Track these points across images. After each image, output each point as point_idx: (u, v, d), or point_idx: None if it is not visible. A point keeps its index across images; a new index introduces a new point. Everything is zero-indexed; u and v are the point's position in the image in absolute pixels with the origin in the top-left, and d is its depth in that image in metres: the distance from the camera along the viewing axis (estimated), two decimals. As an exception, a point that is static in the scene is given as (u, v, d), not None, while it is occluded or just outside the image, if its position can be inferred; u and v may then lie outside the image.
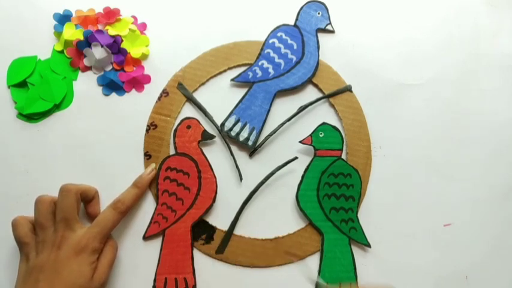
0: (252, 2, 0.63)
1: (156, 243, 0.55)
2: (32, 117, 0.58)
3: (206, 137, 0.58)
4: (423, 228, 0.57)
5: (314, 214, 0.56)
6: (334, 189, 0.57)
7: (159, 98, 0.59)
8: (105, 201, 0.55)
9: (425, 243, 0.57)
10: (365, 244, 0.56)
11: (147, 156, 0.58)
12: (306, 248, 0.56)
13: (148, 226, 0.55)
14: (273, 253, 0.56)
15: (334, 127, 0.58)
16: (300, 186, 0.57)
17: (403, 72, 0.62)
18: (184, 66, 0.60)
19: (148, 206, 0.56)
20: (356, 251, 0.56)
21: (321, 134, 0.58)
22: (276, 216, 0.57)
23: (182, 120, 0.58)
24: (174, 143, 0.58)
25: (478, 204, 0.58)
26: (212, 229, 0.56)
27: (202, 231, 0.56)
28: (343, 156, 0.58)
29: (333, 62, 0.61)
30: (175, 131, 0.58)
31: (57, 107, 0.59)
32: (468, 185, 0.59)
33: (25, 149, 0.58)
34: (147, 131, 0.58)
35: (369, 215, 0.57)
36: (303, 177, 0.57)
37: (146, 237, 0.55)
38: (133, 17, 0.62)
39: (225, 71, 0.60)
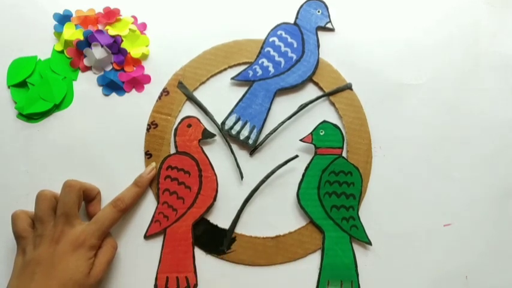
0: (252, 0, 0.63)
1: (157, 242, 0.55)
2: (32, 117, 0.58)
3: (207, 135, 0.58)
4: (423, 228, 0.57)
5: (315, 212, 0.56)
6: (335, 187, 0.57)
7: (159, 97, 0.59)
8: (106, 201, 0.55)
9: (425, 243, 0.57)
10: (366, 242, 0.56)
11: (148, 155, 0.58)
12: (307, 246, 0.56)
13: (150, 225, 0.55)
14: (274, 251, 0.56)
15: (335, 125, 0.58)
16: (300, 185, 0.57)
17: (403, 72, 0.62)
18: (185, 65, 0.60)
19: (149, 205, 0.56)
20: (357, 249, 0.56)
21: (322, 132, 0.58)
22: (277, 214, 0.57)
23: (183, 119, 0.58)
24: (175, 141, 0.57)
25: (478, 204, 0.58)
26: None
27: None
28: (344, 154, 0.58)
29: (333, 60, 0.61)
30: (176, 129, 0.58)
31: (57, 107, 0.59)
32: (468, 185, 0.59)
33: (25, 149, 0.57)
34: (147, 130, 0.58)
35: (369, 214, 0.57)
36: (303, 175, 0.57)
37: (147, 236, 0.55)
38: (134, 17, 0.62)
39: (225, 69, 0.60)
